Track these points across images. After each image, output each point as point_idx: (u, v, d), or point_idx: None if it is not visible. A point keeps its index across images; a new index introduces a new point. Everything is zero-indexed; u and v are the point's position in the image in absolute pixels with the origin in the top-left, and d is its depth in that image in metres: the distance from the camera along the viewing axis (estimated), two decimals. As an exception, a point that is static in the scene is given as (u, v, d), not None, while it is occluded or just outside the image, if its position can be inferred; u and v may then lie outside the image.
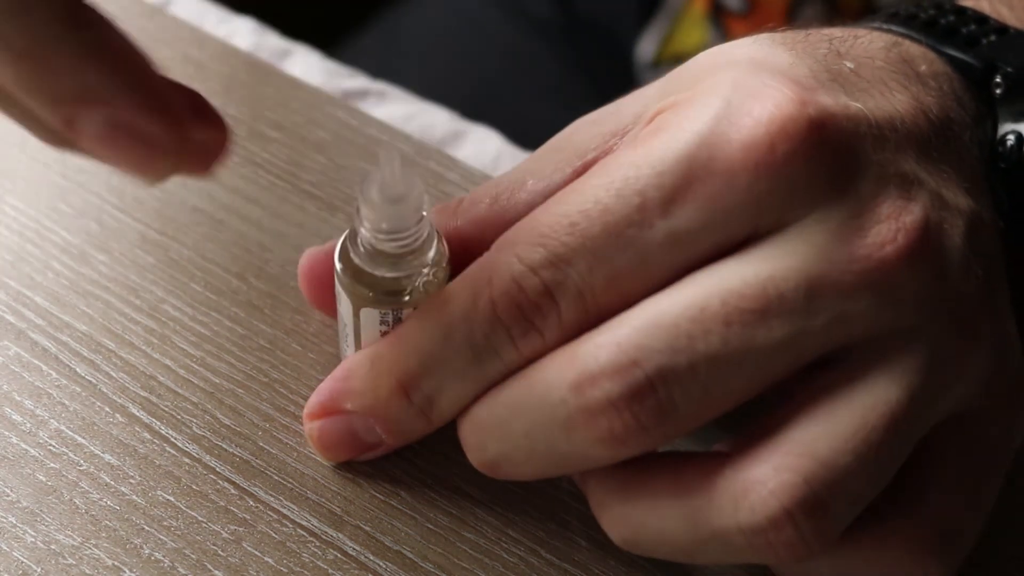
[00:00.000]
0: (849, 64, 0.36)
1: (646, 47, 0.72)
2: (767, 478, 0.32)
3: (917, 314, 0.34)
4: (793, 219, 0.33)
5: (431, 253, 0.36)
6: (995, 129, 0.38)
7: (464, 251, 0.37)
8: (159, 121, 0.29)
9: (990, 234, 0.36)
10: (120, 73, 0.29)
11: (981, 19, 0.40)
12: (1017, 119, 0.38)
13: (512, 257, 0.34)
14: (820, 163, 0.33)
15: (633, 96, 0.37)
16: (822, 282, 0.33)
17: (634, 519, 0.34)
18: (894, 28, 0.39)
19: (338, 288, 0.37)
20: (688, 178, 0.33)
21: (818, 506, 0.32)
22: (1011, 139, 0.37)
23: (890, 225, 0.33)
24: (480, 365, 0.34)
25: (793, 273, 0.33)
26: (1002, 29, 0.40)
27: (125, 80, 0.29)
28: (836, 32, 0.38)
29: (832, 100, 0.34)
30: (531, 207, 0.36)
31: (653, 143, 0.34)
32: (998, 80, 0.38)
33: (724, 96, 0.34)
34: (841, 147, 0.34)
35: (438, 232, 0.37)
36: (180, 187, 0.45)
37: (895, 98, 0.36)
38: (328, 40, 0.82)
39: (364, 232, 0.35)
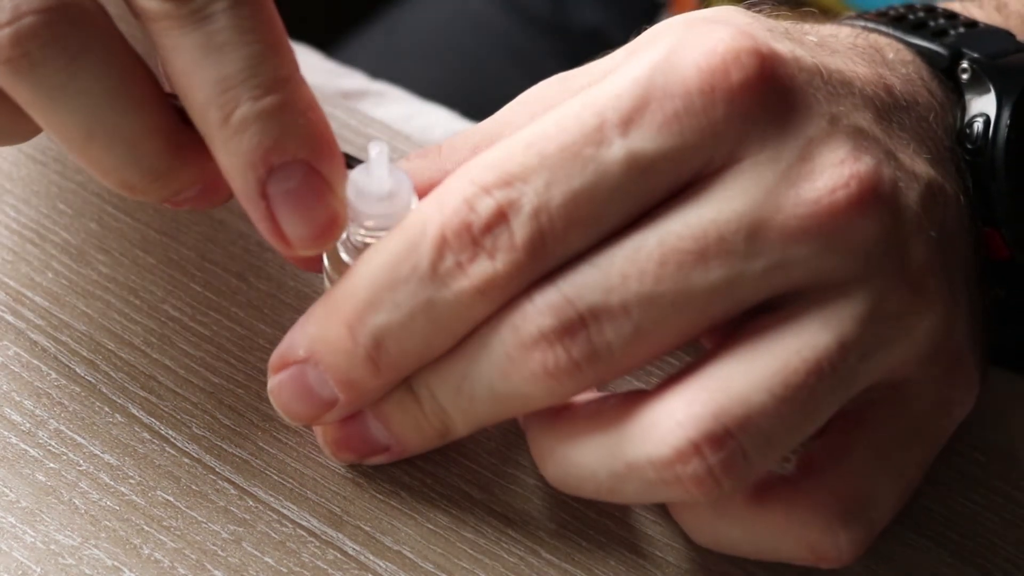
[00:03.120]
0: (812, 37, 0.37)
1: None
2: (677, 410, 0.32)
3: (864, 265, 0.33)
4: (745, 155, 0.33)
5: None
6: (963, 117, 0.38)
7: None
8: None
9: (950, 205, 0.36)
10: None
11: (950, 15, 0.41)
12: (983, 104, 0.38)
13: (466, 181, 0.33)
14: (771, 97, 0.33)
15: (603, 59, 0.37)
16: (765, 225, 0.33)
17: (559, 454, 0.34)
18: (863, 24, 0.40)
19: (327, 285, 0.37)
20: (645, 99, 0.33)
21: (726, 439, 0.32)
22: (979, 122, 0.38)
23: (842, 170, 0.33)
24: (427, 297, 0.33)
25: (735, 216, 0.33)
26: (971, 23, 0.40)
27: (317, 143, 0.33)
28: (803, 23, 0.38)
29: (786, 49, 0.34)
30: None
31: (611, 76, 0.34)
32: (964, 66, 0.39)
33: (678, 35, 0.34)
34: (792, 88, 0.34)
35: None
36: (180, 187, 0.45)
37: (857, 69, 0.36)
38: (328, 39, 0.82)
39: (352, 228, 0.35)
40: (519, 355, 0.33)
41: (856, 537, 0.34)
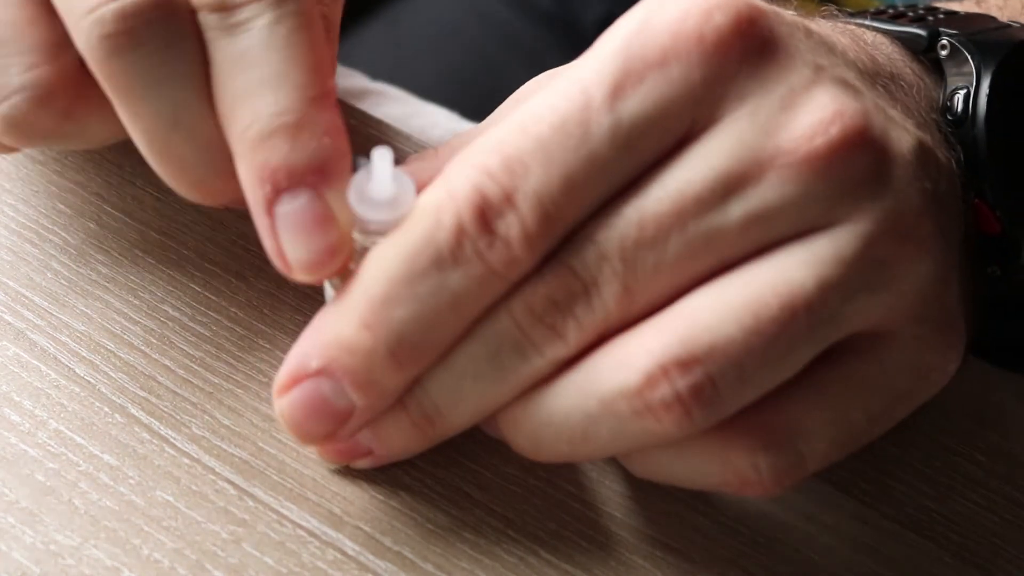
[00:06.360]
0: (791, 13, 0.37)
1: None
2: (647, 339, 0.33)
3: (851, 206, 0.33)
4: (725, 113, 0.33)
5: None
6: (945, 92, 0.39)
7: None
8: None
9: (942, 169, 0.36)
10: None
11: (931, 8, 0.41)
12: (963, 77, 0.38)
13: (470, 168, 0.34)
14: (749, 51, 0.33)
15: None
16: (742, 178, 0.33)
17: (531, 408, 0.34)
18: (841, 19, 0.40)
19: (328, 290, 0.37)
20: (625, 70, 0.33)
21: (692, 365, 0.32)
22: (960, 95, 0.38)
23: (824, 114, 0.33)
24: (448, 286, 0.33)
25: (712, 172, 0.33)
26: (951, 12, 0.41)
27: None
28: None
29: (766, 5, 0.34)
30: None
31: (594, 49, 0.34)
32: (944, 43, 0.39)
33: (655, 1, 0.34)
34: (772, 39, 0.34)
35: None
36: (180, 186, 0.45)
37: (840, 37, 0.37)
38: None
39: (355, 233, 0.35)
40: (529, 323, 0.33)
41: (777, 464, 0.34)
